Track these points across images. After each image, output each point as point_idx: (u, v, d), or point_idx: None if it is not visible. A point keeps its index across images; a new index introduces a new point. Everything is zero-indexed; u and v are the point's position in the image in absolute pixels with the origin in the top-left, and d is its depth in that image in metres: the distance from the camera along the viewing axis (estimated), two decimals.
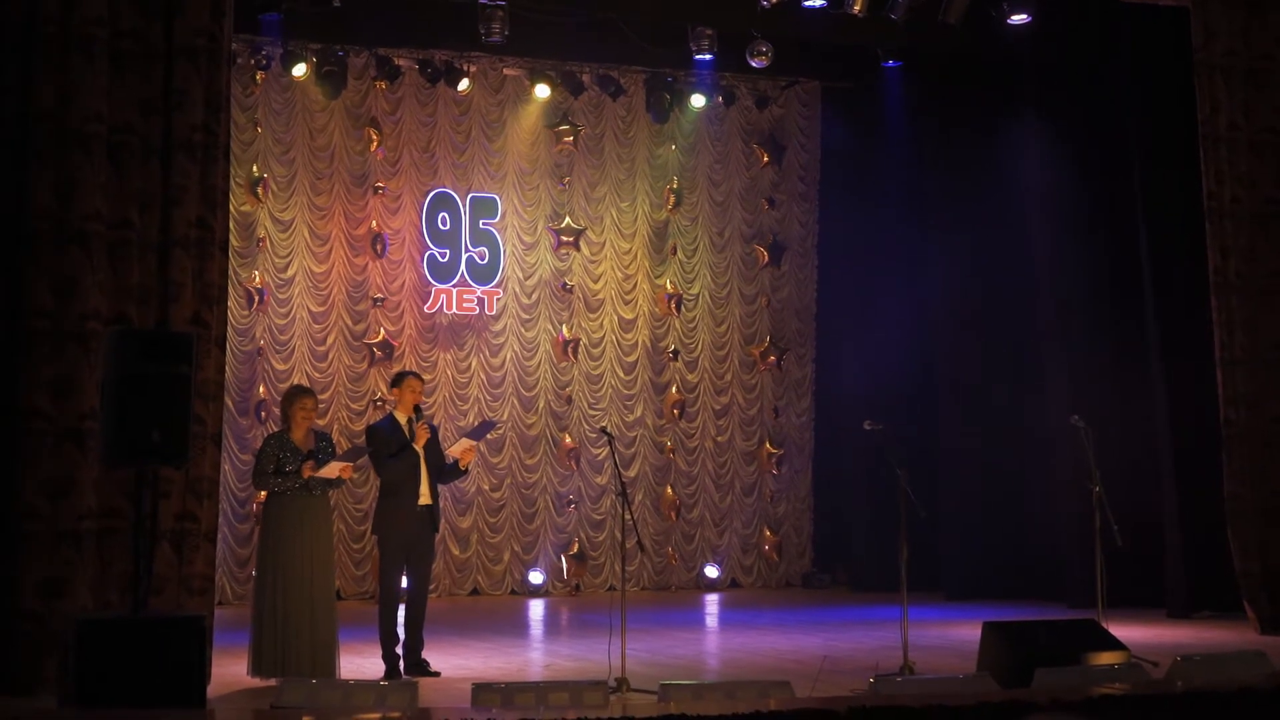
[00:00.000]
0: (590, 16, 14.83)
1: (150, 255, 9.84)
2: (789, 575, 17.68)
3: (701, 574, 17.24)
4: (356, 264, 16.10)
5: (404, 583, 10.57)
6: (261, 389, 15.52)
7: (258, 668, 9.86)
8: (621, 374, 17.17)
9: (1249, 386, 12.95)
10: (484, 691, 6.65)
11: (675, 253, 17.49)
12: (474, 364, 16.48)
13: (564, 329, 16.94)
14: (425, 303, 16.26)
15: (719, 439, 17.58)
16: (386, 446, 10.39)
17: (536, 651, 12.58)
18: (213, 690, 9.18)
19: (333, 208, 16.02)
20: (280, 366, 15.64)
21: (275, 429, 10.68)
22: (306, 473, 9.90)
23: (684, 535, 17.31)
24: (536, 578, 16.45)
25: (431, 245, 16.29)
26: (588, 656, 11.28)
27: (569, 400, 16.90)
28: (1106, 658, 8.94)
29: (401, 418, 10.49)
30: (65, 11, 9.65)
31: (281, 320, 15.75)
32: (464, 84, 16.13)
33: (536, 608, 15.64)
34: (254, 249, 15.63)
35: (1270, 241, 13.14)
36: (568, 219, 17.00)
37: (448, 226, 16.37)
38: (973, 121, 16.08)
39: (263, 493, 10.31)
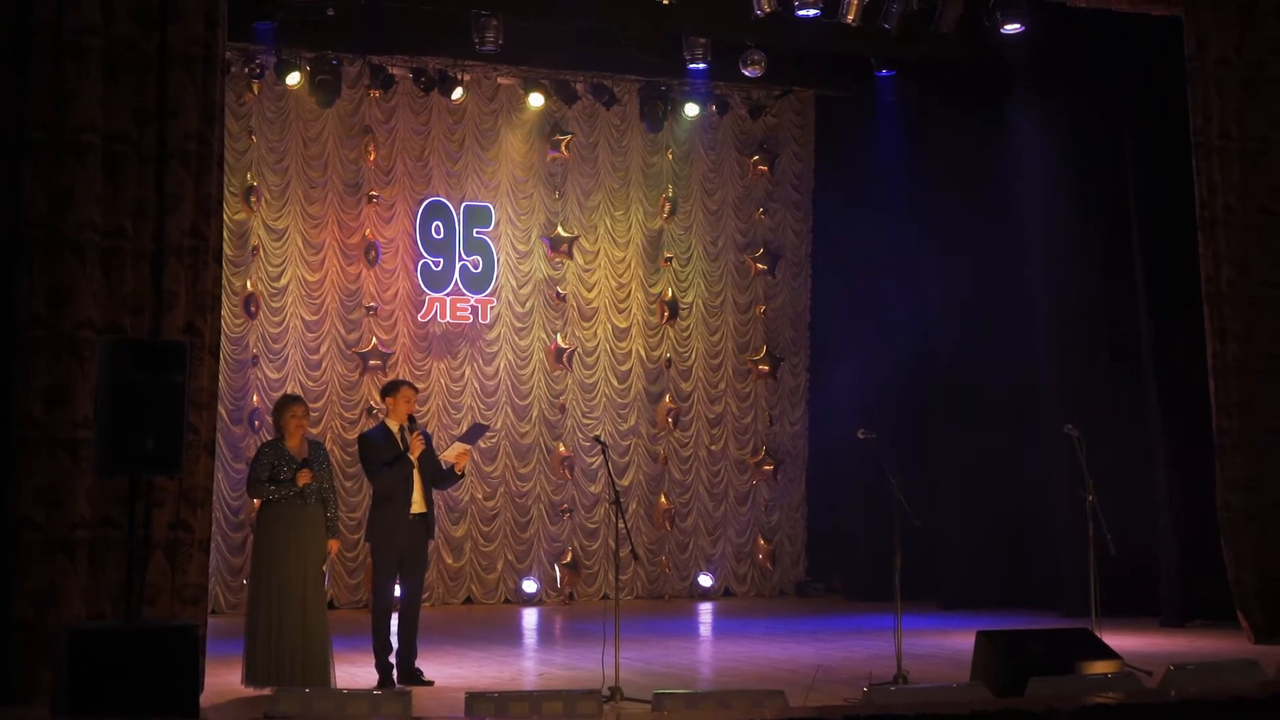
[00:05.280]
0: (584, 26, 14.84)
1: (144, 264, 9.84)
2: (783, 584, 17.68)
3: (695, 583, 17.24)
4: (350, 272, 16.10)
5: (398, 591, 10.57)
6: (255, 398, 15.50)
7: (251, 677, 9.85)
8: (615, 383, 17.17)
9: (1242, 395, 12.97)
10: (478, 700, 6.64)
11: (670, 261, 17.50)
12: (467, 373, 16.48)
13: (558, 338, 16.95)
14: (419, 311, 16.26)
15: (713, 448, 17.58)
16: (380, 455, 10.39)
17: (530, 660, 12.57)
18: (206, 699, 9.16)
19: (326, 216, 16.02)
20: (274, 375, 15.63)
21: (269, 438, 10.69)
22: (301, 481, 9.90)
23: (678, 544, 17.30)
24: (530, 586, 16.45)
25: (425, 254, 16.29)
26: (581, 665, 11.27)
27: (563, 409, 16.90)
28: (1100, 667, 8.93)
29: (394, 426, 10.49)
30: (58, 20, 9.64)
31: (275, 329, 15.74)
32: (458, 93, 16.13)
33: (530, 616, 15.63)
34: (247, 257, 15.62)
35: (1262, 251, 13.18)
36: (560, 228, 17.01)
37: (441, 235, 16.38)
38: (966, 130, 16.11)
39: (257, 501, 10.31)
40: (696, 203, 17.67)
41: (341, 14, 13.87)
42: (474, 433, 11.78)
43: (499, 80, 16.66)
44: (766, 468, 17.77)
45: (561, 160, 17.06)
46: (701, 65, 15.25)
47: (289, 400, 10.44)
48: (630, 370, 17.26)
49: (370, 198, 16.20)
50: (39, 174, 9.56)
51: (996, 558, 15.62)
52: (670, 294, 17.50)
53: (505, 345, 16.67)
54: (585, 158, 17.20)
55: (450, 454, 10.65)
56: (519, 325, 16.75)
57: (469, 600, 16.24)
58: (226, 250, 13.13)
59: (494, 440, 16.38)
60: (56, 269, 9.51)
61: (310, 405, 14.18)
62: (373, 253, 16.16)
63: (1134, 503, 14.12)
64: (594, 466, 16.74)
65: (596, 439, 11.56)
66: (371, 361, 16.04)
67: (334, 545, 10.25)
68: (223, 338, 11.75)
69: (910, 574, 10.96)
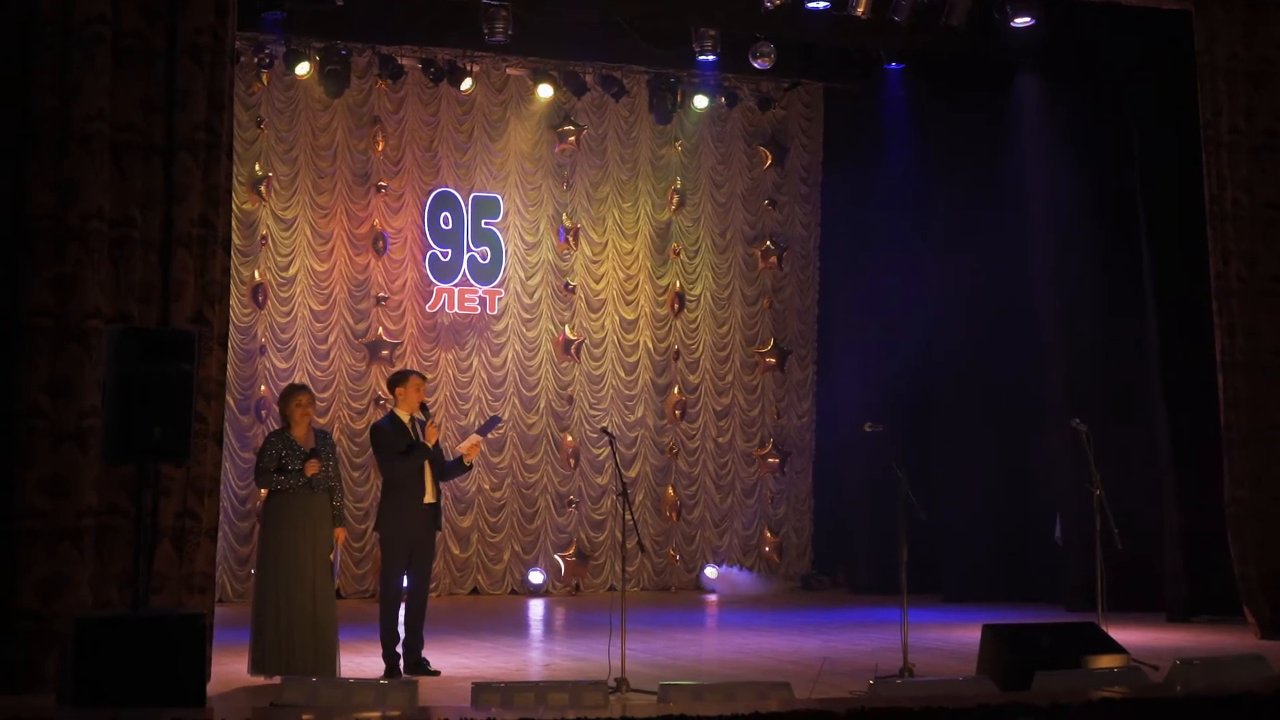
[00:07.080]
0: (593, 17, 14.83)
1: (152, 253, 9.83)
2: (789, 576, 17.68)
3: (702, 575, 17.25)
4: (358, 263, 16.11)
5: (405, 581, 10.58)
6: (263, 387, 15.52)
7: (258, 666, 9.86)
8: (623, 374, 17.18)
9: (1249, 391, 12.95)
10: (483, 691, 6.66)
11: (678, 253, 17.50)
12: (475, 364, 16.50)
13: (566, 329, 16.95)
14: (427, 302, 16.27)
15: (720, 440, 17.59)
16: (393, 444, 10.39)
17: (536, 651, 12.58)
18: (213, 688, 9.18)
19: (335, 206, 16.04)
20: (281, 365, 15.65)
21: (276, 427, 10.71)
22: (310, 471, 9.91)
23: (684, 536, 17.32)
24: (536, 577, 16.46)
25: (433, 244, 16.30)
26: (587, 656, 11.29)
27: (570, 400, 16.91)
28: (1106, 661, 8.94)
29: (404, 416, 10.49)
30: (66, 11, 9.63)
31: (283, 319, 15.76)
32: (467, 83, 16.14)
33: (536, 607, 15.64)
34: (256, 247, 15.65)
35: (1271, 246, 13.14)
36: (568, 219, 17.01)
37: (450, 226, 16.38)
38: (975, 124, 16.07)
39: (264, 490, 10.32)
40: (705, 195, 17.67)
41: (351, 4, 13.86)
42: (488, 425, 11.84)
43: (508, 71, 16.66)
44: (773, 460, 17.78)
45: (570, 151, 17.05)
46: (710, 57, 15.25)
47: (293, 389, 10.44)
48: (638, 362, 17.26)
49: (379, 188, 16.22)
50: (45, 164, 9.55)
51: (1002, 551, 15.61)
52: (678, 286, 17.51)
53: (513, 336, 16.68)
54: (594, 149, 17.20)
55: (463, 445, 10.74)
56: (527, 316, 16.76)
57: (475, 591, 16.26)
58: (235, 240, 13.15)
59: (501, 431, 16.39)
60: (63, 259, 9.50)
61: (318, 395, 14.20)
62: (381, 243, 16.17)
63: (1140, 497, 14.08)
64: (601, 458, 16.76)
65: (604, 430, 11.57)
66: (380, 352, 16.06)
67: (340, 534, 10.26)
68: (231, 327, 11.76)
69: (916, 567, 10.93)
